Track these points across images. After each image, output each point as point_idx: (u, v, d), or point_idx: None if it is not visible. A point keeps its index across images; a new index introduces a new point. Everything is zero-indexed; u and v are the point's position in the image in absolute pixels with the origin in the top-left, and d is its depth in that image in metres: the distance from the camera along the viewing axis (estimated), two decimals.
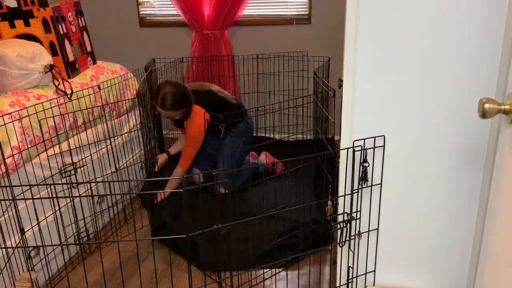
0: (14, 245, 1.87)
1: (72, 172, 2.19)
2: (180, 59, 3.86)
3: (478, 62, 1.32)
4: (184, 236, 1.32)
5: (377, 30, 1.34)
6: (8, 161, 1.85)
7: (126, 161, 2.74)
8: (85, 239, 2.31)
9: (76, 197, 1.29)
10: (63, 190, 2.17)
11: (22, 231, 1.78)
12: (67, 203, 2.19)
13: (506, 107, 1.02)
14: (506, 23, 1.26)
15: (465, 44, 1.31)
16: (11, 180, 1.91)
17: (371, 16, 1.33)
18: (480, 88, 1.34)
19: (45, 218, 2.06)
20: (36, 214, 1.80)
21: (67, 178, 2.19)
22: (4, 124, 1.86)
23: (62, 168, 2.14)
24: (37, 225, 2.00)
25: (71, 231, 2.23)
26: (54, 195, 2.10)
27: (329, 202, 2.38)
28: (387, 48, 1.35)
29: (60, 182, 2.19)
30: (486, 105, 1.01)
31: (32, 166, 2.02)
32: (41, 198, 1.44)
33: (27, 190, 1.94)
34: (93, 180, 1.77)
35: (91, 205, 2.40)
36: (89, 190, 2.38)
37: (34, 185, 1.32)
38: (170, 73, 3.88)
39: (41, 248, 2.01)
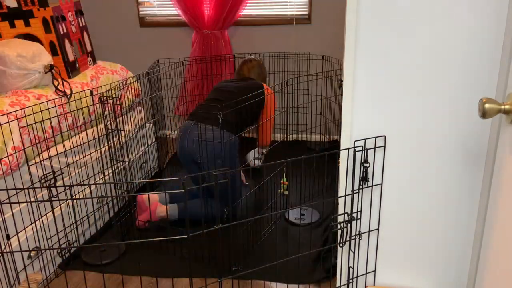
0: (11, 246, 1.87)
1: (60, 175, 2.18)
2: (183, 61, 3.86)
3: (478, 62, 1.32)
4: (185, 236, 1.32)
5: (377, 30, 1.34)
6: (8, 160, 1.85)
7: (125, 161, 2.74)
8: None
9: (70, 199, 1.29)
10: (58, 193, 2.17)
11: (9, 237, 1.78)
12: (70, 203, 2.19)
13: (506, 107, 1.02)
14: (506, 23, 1.26)
15: (465, 44, 1.31)
16: (12, 180, 1.91)
17: (371, 16, 1.33)
18: (480, 88, 1.34)
19: (42, 217, 2.06)
20: (33, 215, 1.80)
21: (62, 180, 2.19)
22: (1, 125, 1.86)
23: (44, 177, 2.13)
24: (36, 226, 1.99)
25: (71, 233, 2.23)
26: (49, 198, 2.10)
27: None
28: (387, 48, 1.35)
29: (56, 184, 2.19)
30: (487, 105, 1.01)
31: (25, 168, 2.02)
32: (28, 202, 1.44)
33: (19, 191, 1.94)
34: (90, 183, 1.77)
35: (89, 207, 2.40)
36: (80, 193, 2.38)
37: (21, 189, 1.32)
38: (174, 74, 3.89)
39: (41, 246, 2.01)
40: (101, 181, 2.49)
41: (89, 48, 2.81)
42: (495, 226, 1.18)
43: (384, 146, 1.45)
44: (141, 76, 3.04)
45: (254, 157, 3.01)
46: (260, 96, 2.68)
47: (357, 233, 1.55)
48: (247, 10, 3.67)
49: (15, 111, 1.92)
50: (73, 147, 2.28)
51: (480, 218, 1.42)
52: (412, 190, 1.49)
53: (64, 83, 2.31)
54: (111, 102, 2.45)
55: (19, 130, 1.93)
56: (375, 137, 1.44)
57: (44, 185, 1.98)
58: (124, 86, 2.79)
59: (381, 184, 1.50)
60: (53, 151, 2.15)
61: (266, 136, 2.88)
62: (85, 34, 2.79)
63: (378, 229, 1.55)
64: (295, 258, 2.17)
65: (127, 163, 2.68)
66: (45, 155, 2.10)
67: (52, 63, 2.25)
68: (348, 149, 1.45)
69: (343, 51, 3.16)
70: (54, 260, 2.14)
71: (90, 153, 2.36)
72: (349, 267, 1.59)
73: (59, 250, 2.14)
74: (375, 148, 1.45)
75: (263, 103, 2.72)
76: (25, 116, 1.98)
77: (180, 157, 2.49)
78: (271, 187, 2.92)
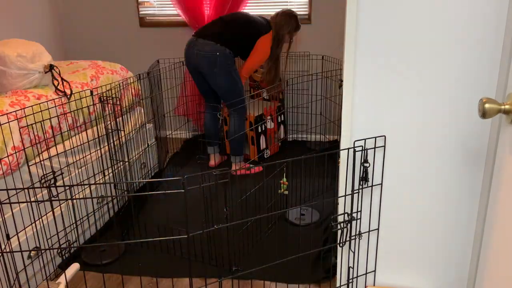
0: (11, 246, 1.87)
1: (60, 176, 2.18)
2: (183, 61, 3.86)
3: (478, 62, 1.32)
4: (185, 236, 1.32)
5: (377, 30, 1.34)
6: (8, 160, 1.85)
7: (125, 161, 2.74)
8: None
9: (70, 200, 1.29)
10: (58, 193, 2.17)
11: (9, 237, 1.78)
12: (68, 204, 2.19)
13: (506, 107, 1.02)
14: (506, 23, 1.26)
15: (465, 44, 1.31)
16: (12, 180, 1.91)
17: (371, 16, 1.33)
18: (480, 88, 1.34)
19: (41, 217, 2.06)
20: (33, 215, 1.80)
21: (62, 180, 2.19)
22: (1, 125, 1.86)
23: (44, 176, 2.13)
24: (36, 226, 2.00)
25: (71, 233, 2.23)
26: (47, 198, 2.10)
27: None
28: (388, 48, 1.35)
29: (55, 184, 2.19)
30: (487, 105, 1.01)
31: (25, 168, 2.02)
32: (29, 202, 1.44)
33: (19, 191, 1.94)
34: (90, 183, 1.77)
35: (88, 207, 2.40)
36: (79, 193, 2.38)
37: (22, 189, 1.31)
38: (174, 74, 3.89)
39: (41, 246, 2.01)
40: (101, 181, 2.49)
41: None
42: (495, 226, 1.18)
43: (384, 146, 1.45)
44: (141, 76, 3.04)
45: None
46: (255, 33, 3.00)
47: (357, 233, 1.55)
48: (247, 10, 3.67)
49: (15, 111, 1.92)
50: (73, 147, 2.28)
51: (480, 218, 1.42)
52: (412, 190, 1.49)
53: (64, 83, 2.31)
54: (111, 102, 2.45)
55: (19, 130, 1.93)
56: (375, 137, 1.44)
57: (44, 185, 1.98)
58: (124, 86, 2.79)
59: (381, 184, 1.50)
60: (53, 151, 2.15)
61: (247, 68, 3.06)
62: None
63: (378, 229, 1.55)
64: (295, 258, 2.17)
65: (127, 163, 2.68)
66: (45, 155, 2.10)
67: (52, 63, 2.25)
68: (348, 149, 1.45)
69: (343, 51, 3.16)
70: (54, 260, 2.14)
71: (90, 153, 2.36)
72: (349, 267, 1.59)
73: (59, 250, 2.14)
74: (375, 148, 1.45)
75: (254, 41, 3.01)
76: (25, 116, 1.98)
77: (188, 67, 3.04)
78: (271, 187, 2.92)
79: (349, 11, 1.33)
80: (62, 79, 2.27)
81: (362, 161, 1.45)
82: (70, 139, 2.30)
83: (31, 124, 2.00)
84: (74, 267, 1.86)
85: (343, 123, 1.45)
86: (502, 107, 1.02)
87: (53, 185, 1.52)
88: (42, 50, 2.23)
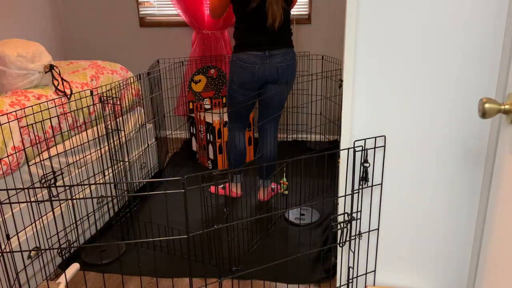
0: (11, 246, 1.87)
1: (60, 175, 2.18)
2: (183, 61, 3.86)
3: (478, 62, 1.32)
4: (185, 236, 1.32)
5: (377, 29, 1.34)
6: (8, 160, 1.85)
7: (125, 161, 2.74)
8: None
9: (69, 200, 1.29)
10: (58, 193, 2.17)
11: (9, 237, 1.77)
12: (67, 204, 2.19)
13: (506, 107, 1.02)
14: (506, 23, 1.26)
15: (465, 44, 1.31)
16: (12, 180, 1.91)
17: (371, 16, 1.33)
18: (480, 88, 1.34)
19: (41, 217, 2.06)
20: (33, 215, 1.80)
21: (63, 180, 2.19)
22: (1, 125, 1.86)
23: (44, 176, 2.13)
24: (36, 226, 2.00)
25: (71, 233, 2.23)
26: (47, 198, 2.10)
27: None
28: (387, 47, 1.35)
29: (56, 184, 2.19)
30: (486, 105, 1.01)
31: (25, 168, 2.02)
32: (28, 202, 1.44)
33: (19, 191, 1.94)
34: (90, 183, 1.77)
35: (89, 207, 2.40)
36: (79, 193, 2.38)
37: (21, 189, 1.31)
38: (174, 74, 3.88)
39: (41, 246, 2.01)
40: (101, 181, 2.49)
41: None
42: (495, 226, 1.18)
43: (384, 146, 1.45)
44: (141, 76, 3.04)
45: None
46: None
47: (357, 233, 1.55)
48: None
49: (15, 111, 1.92)
50: (73, 147, 2.28)
51: (480, 218, 1.42)
52: (412, 190, 1.49)
53: (64, 83, 2.31)
54: (111, 102, 2.45)
55: (19, 130, 1.93)
56: (375, 137, 1.44)
57: (44, 185, 1.99)
58: (124, 86, 2.79)
59: (381, 184, 1.50)
60: (53, 151, 2.15)
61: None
62: None
63: (378, 229, 1.55)
64: (295, 258, 2.17)
65: (127, 163, 2.68)
66: (45, 155, 2.10)
67: (52, 63, 2.25)
68: (348, 149, 1.45)
69: (343, 49, 3.16)
70: (54, 260, 2.14)
71: (90, 153, 2.36)
72: (349, 267, 1.59)
73: (59, 250, 2.14)
74: (375, 148, 1.45)
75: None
76: (25, 116, 1.98)
77: (246, 84, 2.49)
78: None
79: (349, 12, 1.33)
80: (62, 79, 2.27)
81: (362, 161, 1.45)
82: (70, 139, 2.30)
83: (31, 124, 2.00)
84: (74, 267, 1.86)
85: (343, 123, 1.45)
86: (502, 107, 1.02)
87: (53, 185, 1.52)
88: (42, 50, 2.23)
